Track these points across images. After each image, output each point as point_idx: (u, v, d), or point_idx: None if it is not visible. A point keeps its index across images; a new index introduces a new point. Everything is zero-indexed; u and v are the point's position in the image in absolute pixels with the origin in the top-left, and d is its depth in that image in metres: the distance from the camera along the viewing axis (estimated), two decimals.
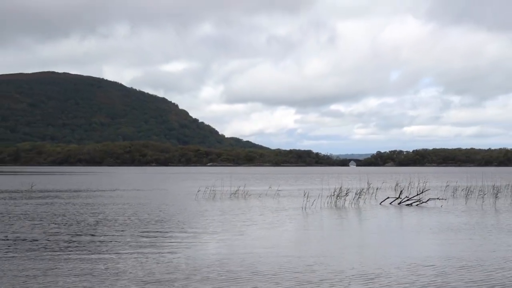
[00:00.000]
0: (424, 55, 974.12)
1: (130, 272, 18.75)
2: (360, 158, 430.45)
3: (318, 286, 16.99)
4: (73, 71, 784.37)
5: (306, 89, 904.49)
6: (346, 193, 51.78)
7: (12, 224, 32.88)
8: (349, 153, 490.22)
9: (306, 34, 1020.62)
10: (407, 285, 17.10)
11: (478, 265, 20.28)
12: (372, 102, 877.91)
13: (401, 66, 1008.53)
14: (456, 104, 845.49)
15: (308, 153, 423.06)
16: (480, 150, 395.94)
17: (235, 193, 61.56)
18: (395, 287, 16.82)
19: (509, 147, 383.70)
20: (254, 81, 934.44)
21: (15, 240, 26.77)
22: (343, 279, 17.87)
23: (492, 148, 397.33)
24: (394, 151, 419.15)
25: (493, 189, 59.70)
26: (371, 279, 17.91)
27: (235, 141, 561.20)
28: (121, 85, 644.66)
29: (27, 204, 49.42)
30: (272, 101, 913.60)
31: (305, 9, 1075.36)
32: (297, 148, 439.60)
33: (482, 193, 58.54)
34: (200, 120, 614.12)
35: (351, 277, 18.20)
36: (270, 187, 70.78)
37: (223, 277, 17.90)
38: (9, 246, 24.78)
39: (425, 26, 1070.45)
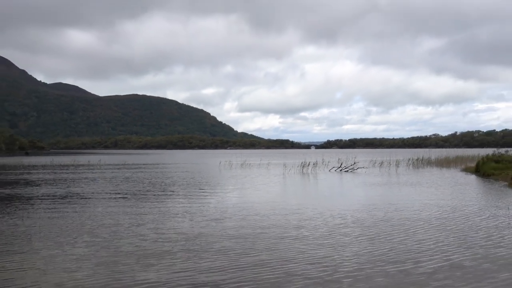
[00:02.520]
0: (355, 83, 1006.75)
1: (195, 213, 18.63)
2: (317, 144, 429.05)
3: (297, 220, 16.91)
4: (149, 93, 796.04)
5: (286, 104, 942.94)
6: (308, 164, 51.76)
7: (118, 184, 32.86)
8: (311, 141, 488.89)
9: (286, 71, 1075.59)
10: (348, 215, 17.02)
11: (389, 204, 20.24)
12: (324, 111, 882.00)
13: (342, 89, 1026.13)
14: (374, 112, 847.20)
15: (287, 141, 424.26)
16: (387, 139, 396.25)
17: (242, 164, 61.55)
18: (340, 219, 16.71)
19: (404, 137, 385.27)
20: (256, 99, 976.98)
21: (123, 193, 26.71)
22: (311, 216, 17.78)
23: (395, 138, 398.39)
24: (337, 139, 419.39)
25: (396, 162, 59.72)
26: (329, 216, 17.81)
27: (244, 135, 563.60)
28: (176, 102, 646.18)
29: (127, 172, 49.37)
30: (266, 110, 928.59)
31: (287, 57, 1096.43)
32: (280, 138, 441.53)
33: (389, 164, 58.64)
34: (223, 122, 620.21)
35: (316, 214, 18.13)
36: (261, 160, 70.65)
37: (238, 216, 17.80)
38: (118, 197, 24.74)
39: (356, 66, 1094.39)
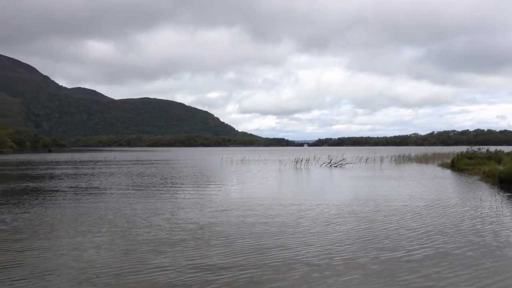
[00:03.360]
0: (343, 88, 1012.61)
1: (204, 204, 18.45)
2: (310, 142, 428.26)
3: (296, 211, 16.69)
4: (159, 97, 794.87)
5: (282, 106, 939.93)
6: (301, 161, 51.53)
7: (133, 178, 32.63)
8: (304, 139, 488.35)
9: (282, 77, 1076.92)
10: (342, 206, 16.80)
11: (379, 196, 20.00)
12: (316, 113, 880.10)
13: (332, 93, 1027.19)
14: (360, 114, 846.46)
15: (282, 139, 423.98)
16: (372, 138, 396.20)
17: (242, 160, 61.29)
18: (336, 209, 16.48)
19: (388, 136, 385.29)
20: (255, 102, 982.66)
21: (139, 186, 26.45)
22: (309, 207, 17.56)
23: (379, 136, 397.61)
24: (327, 138, 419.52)
25: (380, 158, 59.48)
26: (325, 207, 17.58)
27: (244, 134, 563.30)
28: (183, 104, 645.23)
29: (141, 167, 49.06)
30: (264, 112, 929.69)
31: (282, 64, 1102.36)
32: (276, 137, 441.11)
33: (373, 160, 58.45)
34: (225, 122, 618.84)
35: (313, 205, 17.90)
36: (259, 157, 70.42)
37: (242, 208, 17.58)
38: (135, 190, 24.46)
39: (345, 73, 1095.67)
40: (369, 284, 7.93)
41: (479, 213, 15.36)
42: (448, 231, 12.34)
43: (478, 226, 12.97)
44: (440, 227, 12.82)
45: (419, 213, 15.43)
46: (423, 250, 10.23)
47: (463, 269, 8.74)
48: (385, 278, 8.24)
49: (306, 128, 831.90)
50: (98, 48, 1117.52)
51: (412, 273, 8.51)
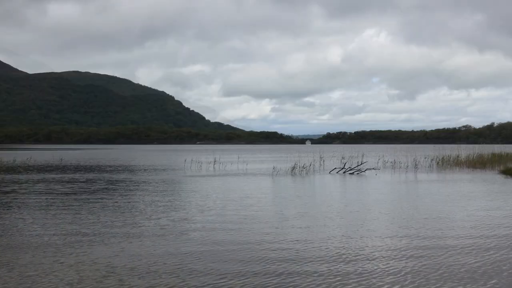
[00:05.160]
0: (377, 62, 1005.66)
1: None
2: (314, 138, 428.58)
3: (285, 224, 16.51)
4: (93, 70, 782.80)
5: (287, 86, 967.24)
6: (303, 166, 51.55)
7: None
8: (307, 134, 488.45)
9: (297, 47, 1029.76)
10: (353, 221, 16.69)
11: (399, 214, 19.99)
12: (334, 96, 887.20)
13: (359, 70, 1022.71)
14: (395, 97, 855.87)
15: (274, 134, 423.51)
16: (405, 132, 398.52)
17: (214, 162, 61.29)
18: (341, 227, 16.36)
19: (428, 129, 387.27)
20: (247, 80, 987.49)
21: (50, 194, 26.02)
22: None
23: (415, 130, 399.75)
24: (340, 132, 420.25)
25: (413, 161, 59.75)
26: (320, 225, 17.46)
27: (219, 125, 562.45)
28: (130, 81, 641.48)
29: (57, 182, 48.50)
30: (259, 94, 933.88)
31: (302, 32, 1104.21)
32: (266, 131, 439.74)
33: (406, 164, 58.83)
34: (191, 109, 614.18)
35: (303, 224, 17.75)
36: (239, 163, 70.26)
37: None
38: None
39: (383, 42, 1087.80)
40: None
41: None
42: None
43: None
44: None
45: None
46: None
47: None
48: None
49: (313, 117, 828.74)
50: None
51: None
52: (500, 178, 43.21)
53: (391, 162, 61.97)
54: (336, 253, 14.45)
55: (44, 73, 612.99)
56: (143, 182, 39.51)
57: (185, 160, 66.60)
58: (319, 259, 13.81)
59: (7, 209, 23.37)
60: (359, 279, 11.96)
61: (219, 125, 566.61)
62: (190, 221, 19.90)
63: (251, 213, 21.98)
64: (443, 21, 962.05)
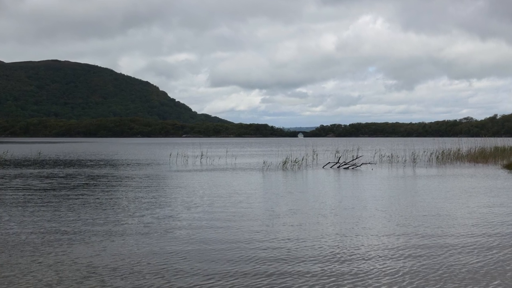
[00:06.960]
0: (373, 50, 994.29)
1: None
2: (307, 131, 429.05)
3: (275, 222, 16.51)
4: (73, 59, 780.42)
5: (278, 75, 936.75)
6: (295, 161, 51.52)
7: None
8: (299, 126, 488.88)
9: (288, 34, 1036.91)
10: (349, 217, 16.69)
11: (395, 211, 20.01)
12: (327, 86, 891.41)
13: (354, 58, 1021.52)
14: (392, 87, 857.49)
15: (265, 126, 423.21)
16: (403, 124, 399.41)
17: (201, 156, 61.15)
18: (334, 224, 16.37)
19: (427, 121, 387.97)
20: (236, 69, 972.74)
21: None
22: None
23: (414, 122, 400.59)
24: (333, 124, 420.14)
25: (412, 155, 59.82)
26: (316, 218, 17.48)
27: (206, 117, 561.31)
28: (112, 71, 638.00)
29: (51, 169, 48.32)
30: (248, 85, 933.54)
31: (294, 19, 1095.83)
32: (255, 123, 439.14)
33: (403, 158, 58.98)
34: (176, 100, 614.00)
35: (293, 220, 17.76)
36: (227, 157, 70.27)
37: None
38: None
39: (379, 28, 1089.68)
40: None
41: None
42: None
43: None
44: None
45: None
46: None
47: None
48: None
49: (306, 109, 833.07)
50: None
51: None
52: (503, 173, 43.38)
53: (388, 156, 62.15)
54: (330, 252, 14.50)
55: (21, 62, 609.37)
56: (126, 177, 39.53)
57: (170, 154, 66.55)
58: (312, 258, 13.85)
59: None
60: (354, 280, 11.99)
61: (206, 117, 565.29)
62: (176, 219, 19.93)
63: (240, 210, 22.05)
64: (443, 7, 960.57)
